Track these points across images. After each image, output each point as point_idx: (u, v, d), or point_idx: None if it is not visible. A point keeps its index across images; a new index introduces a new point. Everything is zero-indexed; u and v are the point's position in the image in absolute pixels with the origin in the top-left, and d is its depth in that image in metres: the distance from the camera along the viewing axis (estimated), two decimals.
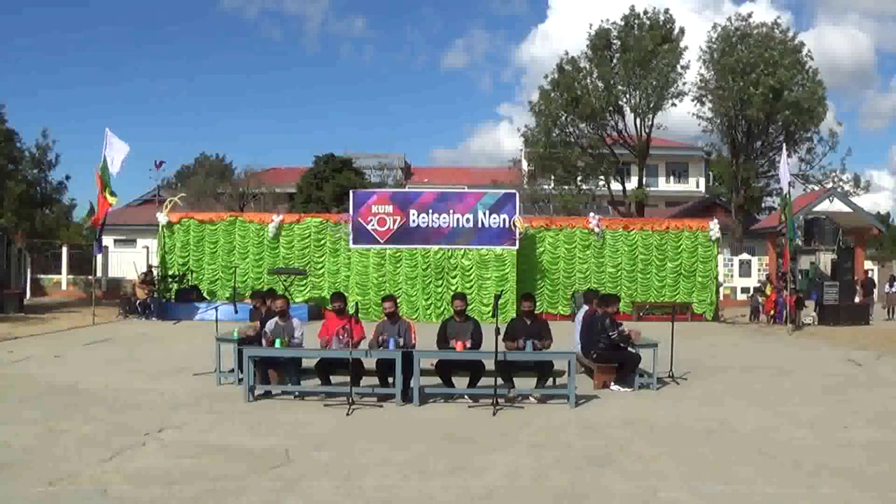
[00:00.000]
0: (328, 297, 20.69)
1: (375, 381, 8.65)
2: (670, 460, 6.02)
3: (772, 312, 20.27)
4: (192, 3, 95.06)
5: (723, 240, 24.71)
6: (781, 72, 30.42)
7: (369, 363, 8.67)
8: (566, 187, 35.77)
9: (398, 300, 10.70)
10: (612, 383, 9.28)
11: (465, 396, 8.42)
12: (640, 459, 6.06)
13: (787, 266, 20.52)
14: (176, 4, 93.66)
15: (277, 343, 8.57)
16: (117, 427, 6.98)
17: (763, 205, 39.22)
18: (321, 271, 21.99)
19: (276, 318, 8.96)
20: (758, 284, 25.75)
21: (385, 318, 8.92)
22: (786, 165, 19.79)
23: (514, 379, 8.58)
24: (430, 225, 21.06)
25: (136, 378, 9.92)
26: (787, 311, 19.10)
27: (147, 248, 29.04)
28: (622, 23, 32.84)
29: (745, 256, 30.67)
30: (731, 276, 30.03)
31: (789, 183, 20.28)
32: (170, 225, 22.00)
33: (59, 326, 17.47)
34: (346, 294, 12.55)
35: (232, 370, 9.43)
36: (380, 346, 8.46)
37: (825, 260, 22.53)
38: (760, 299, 22.25)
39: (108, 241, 28.77)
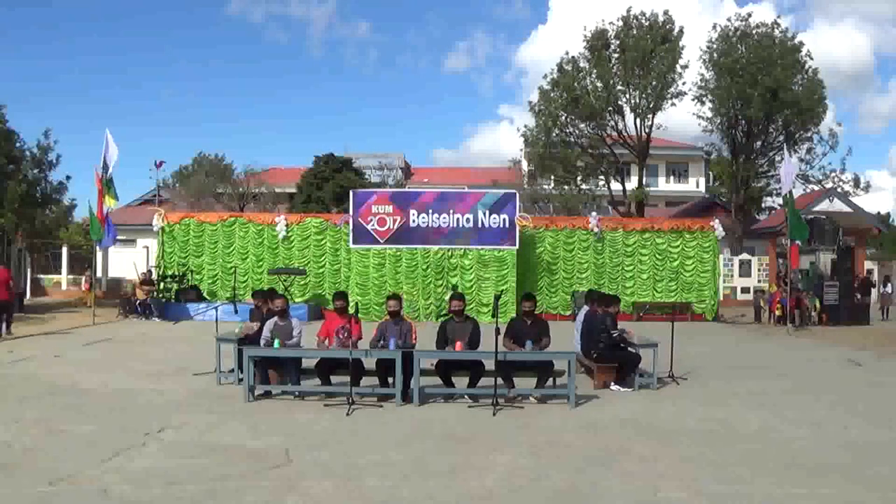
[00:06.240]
0: (328, 296, 20.93)
1: (375, 381, 8.64)
2: (670, 460, 6.02)
3: (777, 312, 20.22)
4: (197, 5, 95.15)
5: (723, 240, 24.72)
6: (778, 71, 30.41)
7: (369, 363, 8.67)
8: (566, 187, 35.76)
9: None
10: (612, 383, 9.29)
11: (465, 396, 8.41)
12: (640, 459, 6.05)
13: (795, 265, 20.40)
14: (182, 6, 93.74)
15: (276, 343, 8.57)
16: (117, 427, 6.98)
17: (763, 205, 39.18)
18: (321, 271, 22.00)
19: (275, 318, 8.96)
20: (759, 285, 25.72)
21: (388, 316, 8.92)
22: (787, 168, 19.74)
23: (514, 379, 8.59)
24: (430, 225, 21.07)
25: (136, 378, 9.92)
26: (788, 310, 19.10)
27: (147, 248, 29.04)
28: (620, 23, 32.85)
29: (745, 256, 30.67)
30: (732, 276, 30.04)
31: (791, 183, 20.25)
32: (169, 226, 22.03)
33: (59, 326, 17.48)
34: (348, 293, 12.56)
35: (232, 370, 9.43)
36: (380, 346, 8.46)
37: (825, 260, 22.48)
38: (762, 302, 22.21)
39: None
